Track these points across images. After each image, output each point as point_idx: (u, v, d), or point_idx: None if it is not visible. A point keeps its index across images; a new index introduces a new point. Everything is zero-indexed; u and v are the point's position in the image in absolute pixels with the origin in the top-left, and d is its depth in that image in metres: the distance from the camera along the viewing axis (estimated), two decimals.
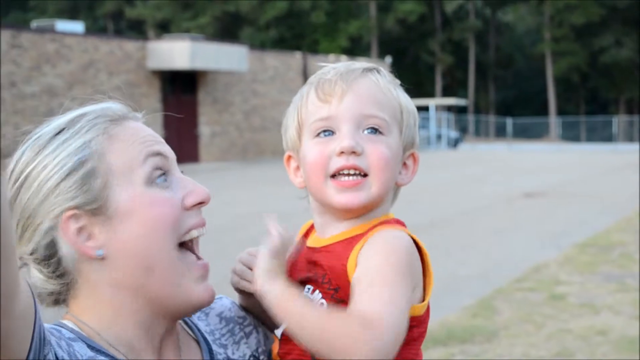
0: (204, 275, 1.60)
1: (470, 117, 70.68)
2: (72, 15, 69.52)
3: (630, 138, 58.32)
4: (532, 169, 32.84)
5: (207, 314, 1.79)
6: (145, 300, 1.55)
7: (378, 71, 1.76)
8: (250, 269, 1.68)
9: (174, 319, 1.61)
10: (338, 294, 1.60)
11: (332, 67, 1.76)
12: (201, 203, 1.61)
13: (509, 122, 60.77)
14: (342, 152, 1.65)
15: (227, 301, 1.85)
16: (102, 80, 30.84)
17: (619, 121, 62.10)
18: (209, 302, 1.60)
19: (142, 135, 1.61)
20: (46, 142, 1.57)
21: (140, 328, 1.57)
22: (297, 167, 1.77)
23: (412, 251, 1.60)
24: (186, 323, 1.74)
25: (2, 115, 26.60)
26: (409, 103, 1.77)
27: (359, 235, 1.64)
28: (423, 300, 1.62)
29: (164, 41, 34.14)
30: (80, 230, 1.53)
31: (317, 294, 1.63)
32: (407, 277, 1.55)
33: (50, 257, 1.55)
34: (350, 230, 1.67)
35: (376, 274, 1.54)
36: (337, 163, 1.65)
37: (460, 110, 72.30)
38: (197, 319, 1.77)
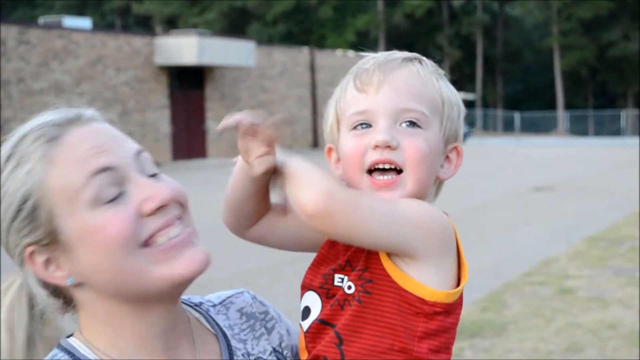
0: (175, 253, 1.51)
1: (478, 112, 70.56)
2: (79, 11, 69.55)
3: (638, 132, 58.07)
4: (541, 163, 32.77)
5: (227, 308, 1.77)
6: (133, 300, 1.53)
7: (420, 61, 1.70)
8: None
9: (170, 303, 1.57)
10: (365, 274, 1.58)
11: (372, 57, 1.71)
12: (161, 207, 1.50)
13: (517, 116, 60.65)
14: (376, 146, 1.61)
15: (248, 296, 1.82)
16: (110, 76, 30.87)
17: (627, 115, 61.94)
18: (194, 271, 1.52)
19: (82, 150, 1.50)
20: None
21: (142, 329, 1.56)
22: (338, 159, 1.72)
23: (446, 227, 1.59)
24: (205, 318, 1.72)
25: (10, 112, 26.64)
26: (453, 94, 1.71)
27: None
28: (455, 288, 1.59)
29: (171, 37, 34.13)
30: (47, 262, 1.52)
31: (347, 281, 1.61)
32: (419, 229, 1.55)
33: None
34: None
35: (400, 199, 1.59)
36: (372, 157, 1.61)
37: (468, 105, 72.11)
38: (217, 313, 1.75)
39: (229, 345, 1.68)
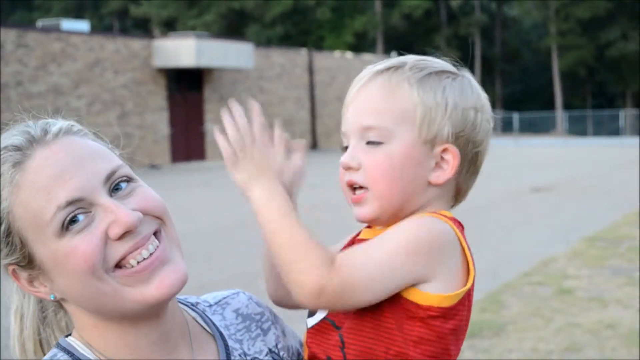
0: (146, 276, 1.50)
1: None
2: (77, 14, 69.56)
3: (637, 132, 57.96)
4: (540, 163, 32.78)
5: (223, 309, 1.78)
6: (115, 318, 1.55)
7: (397, 68, 1.68)
8: None
9: (156, 317, 1.57)
10: None
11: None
12: (129, 231, 1.49)
13: (516, 116, 60.58)
14: (343, 169, 1.66)
15: (244, 297, 1.83)
16: (109, 78, 30.87)
17: (625, 115, 61.87)
18: (166, 293, 1.51)
19: (45, 176, 1.49)
20: None
21: (131, 341, 1.57)
22: None
23: (439, 234, 1.58)
24: (201, 317, 1.72)
25: (8, 115, 26.64)
26: (436, 95, 1.65)
27: None
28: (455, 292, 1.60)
29: (169, 39, 34.15)
30: (30, 279, 1.55)
31: None
32: (417, 255, 1.53)
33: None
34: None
35: (382, 238, 1.55)
36: (344, 179, 1.66)
37: None
38: (213, 313, 1.75)
39: (226, 345, 1.69)
